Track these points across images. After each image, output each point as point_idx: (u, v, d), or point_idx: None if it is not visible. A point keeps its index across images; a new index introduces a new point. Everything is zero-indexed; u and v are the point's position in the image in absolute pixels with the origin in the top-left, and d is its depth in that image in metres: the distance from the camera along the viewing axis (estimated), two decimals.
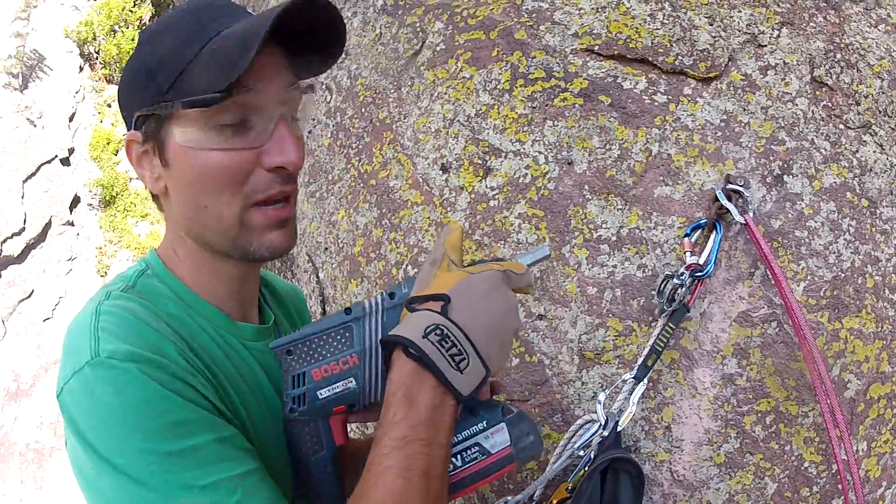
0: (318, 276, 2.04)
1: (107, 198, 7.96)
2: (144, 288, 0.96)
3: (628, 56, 1.79)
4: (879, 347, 1.70)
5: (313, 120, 2.17)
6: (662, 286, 1.58)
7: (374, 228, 1.87)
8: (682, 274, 1.57)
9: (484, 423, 0.89)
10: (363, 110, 2.02)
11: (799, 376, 1.63)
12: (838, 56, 1.81)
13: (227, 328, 1.01)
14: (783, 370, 1.63)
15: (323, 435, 0.95)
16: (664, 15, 1.83)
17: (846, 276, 1.67)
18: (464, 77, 1.86)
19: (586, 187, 1.70)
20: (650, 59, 1.78)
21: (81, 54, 8.87)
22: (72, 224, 7.46)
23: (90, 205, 7.96)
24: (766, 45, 1.80)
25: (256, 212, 0.92)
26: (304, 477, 1.00)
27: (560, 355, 1.65)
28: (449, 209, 1.76)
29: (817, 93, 1.76)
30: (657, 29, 1.81)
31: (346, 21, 2.23)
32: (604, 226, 1.67)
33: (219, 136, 0.88)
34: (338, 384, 0.91)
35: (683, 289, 1.56)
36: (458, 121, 1.83)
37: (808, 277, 1.65)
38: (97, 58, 9.12)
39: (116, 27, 9.05)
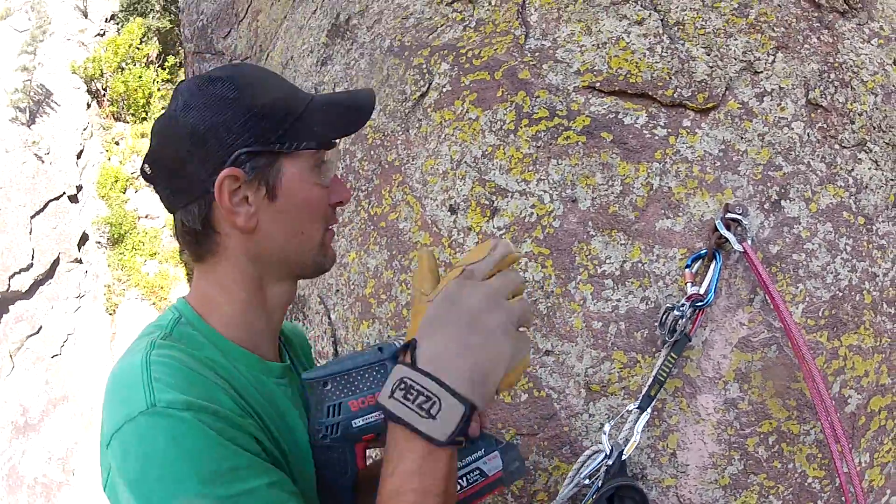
0: (329, 318, 2.14)
1: (115, 236, 8.03)
2: (181, 335, 1.00)
3: (629, 91, 1.84)
4: (879, 361, 1.77)
5: None
6: (664, 318, 1.66)
7: (385, 270, 1.98)
8: (683, 305, 1.65)
9: (482, 451, 1.02)
10: (372, 153, 2.11)
11: (799, 396, 1.71)
12: (832, 76, 1.84)
13: (259, 369, 1.07)
14: (783, 392, 1.71)
15: (349, 460, 1.04)
16: (662, 48, 1.87)
17: (844, 294, 1.74)
18: (470, 118, 1.94)
19: (590, 224, 1.78)
20: (650, 93, 1.83)
21: (89, 90, 8.95)
22: (80, 261, 7.57)
23: (98, 242, 8.06)
24: (761, 72, 1.84)
25: (327, 233, 1.10)
26: (328, 499, 1.08)
27: (567, 389, 1.75)
28: (458, 250, 1.86)
29: (812, 115, 1.81)
30: (656, 62, 1.86)
31: (353, 62, 2.31)
32: (608, 261, 1.76)
33: (316, 174, 1.04)
34: (371, 415, 1.00)
35: (684, 319, 1.64)
36: (466, 162, 1.91)
37: (807, 299, 1.72)
38: (104, 95, 9.21)
39: (123, 64, 9.13)
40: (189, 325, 1.03)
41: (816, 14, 1.92)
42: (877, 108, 1.82)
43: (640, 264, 1.75)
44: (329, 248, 1.11)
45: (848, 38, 1.90)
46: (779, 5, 1.91)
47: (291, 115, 1.01)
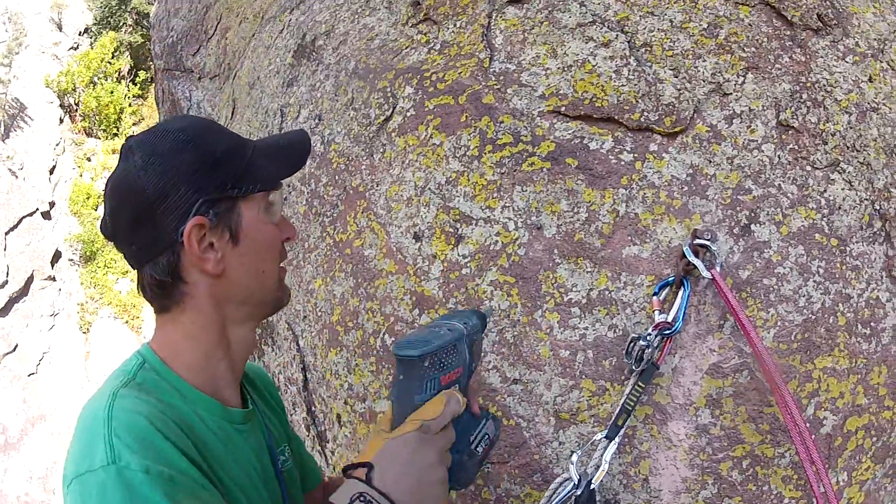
0: (298, 344, 2.10)
1: (87, 253, 7.93)
2: (145, 381, 1.02)
3: (594, 115, 1.79)
4: (854, 382, 1.71)
5: (288, 186, 2.21)
6: (630, 347, 1.61)
7: (351, 297, 1.93)
8: (649, 334, 1.59)
9: (484, 420, 1.17)
10: (337, 177, 2.06)
11: (773, 420, 1.66)
12: (804, 96, 1.78)
13: (221, 415, 1.09)
14: (756, 416, 1.66)
15: None
16: (629, 70, 1.82)
17: (817, 317, 1.68)
18: (434, 144, 1.89)
19: (556, 251, 1.73)
20: (616, 117, 1.78)
21: (62, 105, 8.87)
22: (53, 279, 7.47)
23: (71, 260, 7.95)
24: (731, 94, 1.78)
25: (280, 270, 1.15)
26: None
27: (536, 417, 1.70)
28: (423, 278, 1.81)
29: (783, 136, 1.75)
30: (622, 86, 1.80)
31: (319, 83, 2.27)
32: (574, 289, 1.70)
33: (267, 214, 1.10)
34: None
35: (651, 349, 1.59)
36: (430, 188, 1.86)
37: (779, 323, 1.67)
38: (77, 109, 9.10)
39: (95, 79, 9.04)
40: (153, 370, 1.05)
41: (789, 32, 1.86)
42: (850, 128, 1.76)
43: (606, 292, 1.70)
44: (285, 284, 1.16)
45: (821, 57, 1.84)
46: (749, 24, 1.86)
47: (242, 161, 1.06)
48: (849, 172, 1.75)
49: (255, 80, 2.57)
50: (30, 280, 7.11)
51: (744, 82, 1.79)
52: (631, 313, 1.69)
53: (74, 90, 9.00)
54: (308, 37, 2.36)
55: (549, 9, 1.95)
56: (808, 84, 1.80)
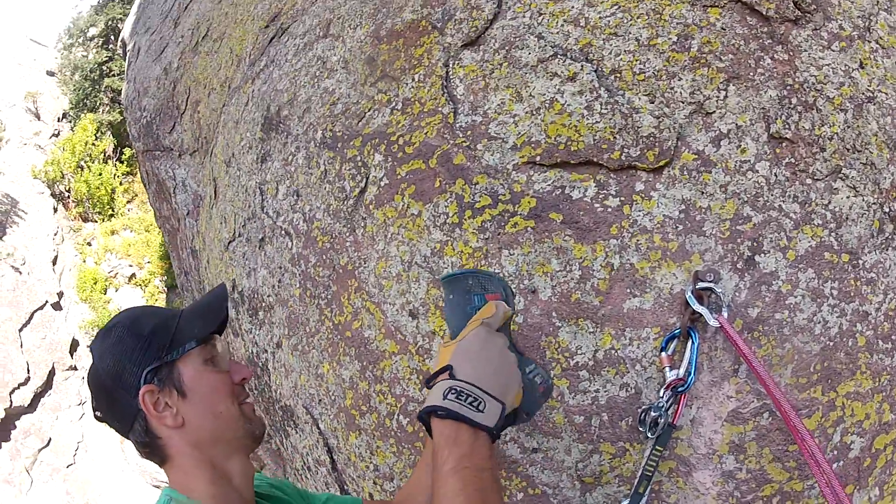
0: (319, 427, 1.92)
1: None
2: None
3: (572, 161, 1.51)
4: (879, 400, 1.48)
5: (280, 268, 1.97)
6: (643, 416, 1.38)
7: (360, 381, 1.72)
8: (661, 401, 1.37)
9: (532, 364, 1.12)
10: (324, 257, 1.82)
11: (798, 456, 1.45)
12: (794, 100, 1.47)
13: None
14: (781, 455, 1.45)
15: None
16: (601, 104, 1.52)
17: (835, 343, 1.44)
18: (412, 214, 1.63)
19: (554, 314, 1.49)
20: (595, 159, 1.50)
21: (53, 194, 8.40)
22: (75, 368, 7.15)
23: (89, 347, 7.65)
24: (714, 112, 1.48)
25: (244, 406, 1.17)
26: None
27: (561, 482, 1.51)
28: (425, 356, 1.59)
29: (777, 150, 1.45)
30: (596, 122, 1.51)
31: (290, 157, 1.99)
32: (579, 352, 1.47)
33: (210, 365, 1.14)
34: None
35: (664, 417, 1.36)
36: (416, 262, 1.62)
37: (796, 357, 1.42)
38: (69, 196, 8.62)
39: (82, 163, 8.53)
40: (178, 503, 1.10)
41: (766, 29, 1.53)
42: (848, 127, 1.46)
43: (612, 351, 1.46)
44: (254, 417, 1.18)
45: (805, 50, 1.51)
46: (722, 28, 1.53)
47: (169, 332, 1.12)
48: (852, 177, 1.46)
49: (231, 157, 2.30)
50: (51, 373, 6.88)
51: (726, 96, 1.49)
52: (641, 369, 1.45)
53: (63, 177, 8.59)
54: (272, 108, 2.06)
55: (507, 47, 1.64)
56: (796, 86, 1.48)
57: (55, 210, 8.32)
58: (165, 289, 7.98)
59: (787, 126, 1.46)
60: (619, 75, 1.55)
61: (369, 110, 1.77)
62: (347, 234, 1.76)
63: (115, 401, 1.09)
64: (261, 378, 2.18)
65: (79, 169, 8.68)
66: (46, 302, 7.26)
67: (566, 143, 1.52)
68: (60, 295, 7.58)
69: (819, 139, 1.46)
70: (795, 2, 1.54)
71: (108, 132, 9.09)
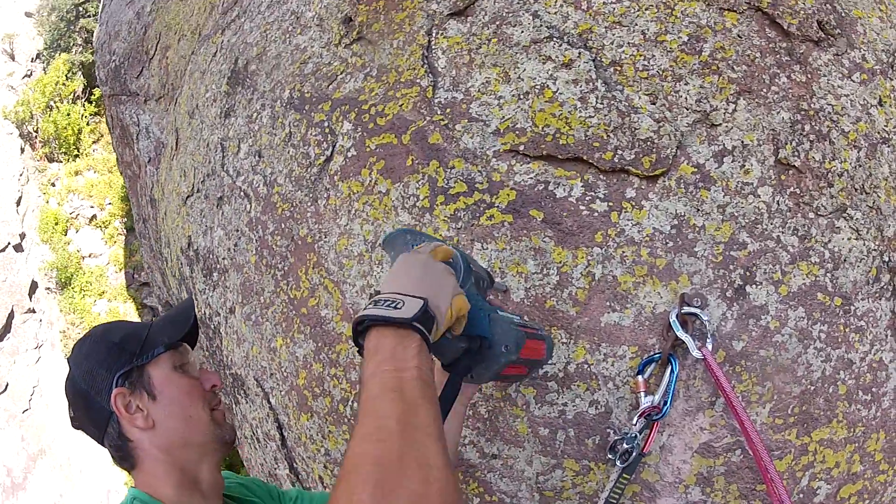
0: (269, 402, 1.64)
1: (62, 279, 7.00)
2: None
3: (559, 156, 1.27)
4: (851, 451, 1.29)
5: (237, 231, 1.67)
6: (614, 445, 1.15)
7: (314, 362, 1.45)
8: (633, 430, 1.14)
9: (538, 330, 1.01)
10: (283, 225, 1.53)
11: (764, 497, 1.25)
12: (807, 128, 1.26)
13: None
14: (748, 494, 1.25)
15: None
16: (597, 97, 1.28)
17: (816, 387, 1.24)
18: (380, 192, 1.35)
19: (525, 318, 1.23)
20: (585, 156, 1.26)
21: (21, 135, 7.71)
22: (33, 311, 6.51)
23: (48, 288, 6.97)
24: (719, 124, 1.26)
25: (215, 412, 1.12)
26: None
27: (520, 492, 1.28)
28: None
29: (783, 177, 1.24)
30: (590, 117, 1.27)
31: (255, 114, 1.68)
32: (549, 362, 1.22)
33: (180, 371, 1.10)
34: None
35: (636, 449, 1.13)
36: (381, 245, 1.34)
37: (775, 397, 1.22)
38: (36, 136, 7.94)
39: (52, 103, 7.86)
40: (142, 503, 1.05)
41: (785, 45, 1.32)
42: (860, 166, 1.26)
43: (585, 365, 1.23)
44: (224, 423, 1.13)
45: (824, 75, 1.31)
46: (738, 36, 1.31)
47: (140, 338, 1.10)
48: (856, 219, 1.26)
49: (195, 108, 1.96)
50: (10, 316, 6.24)
51: (735, 110, 1.27)
52: (613, 388, 1.22)
53: (32, 118, 7.90)
54: (241, 61, 1.75)
55: (497, 22, 1.38)
56: (811, 112, 1.27)
57: (22, 150, 7.57)
58: (125, 231, 7.38)
59: (796, 153, 1.25)
60: (619, 69, 1.31)
61: (341, 73, 1.48)
62: (309, 203, 1.46)
63: (89, 406, 1.07)
64: (213, 341, 1.89)
65: (48, 109, 7.97)
66: (9, 244, 6.53)
67: (554, 134, 1.27)
68: (23, 236, 6.86)
69: (828, 174, 1.26)
70: (820, 22, 1.34)
71: (80, 72, 8.36)
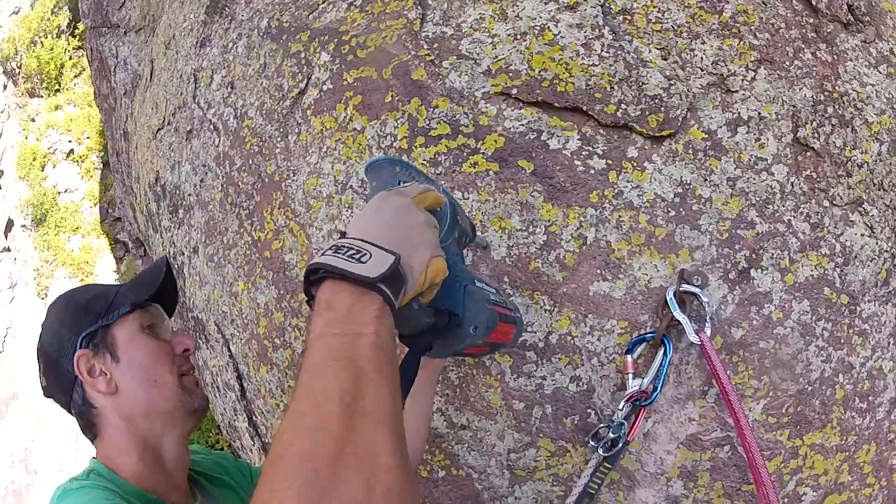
0: (230, 350, 1.46)
1: (38, 216, 6.63)
2: (95, 485, 0.93)
3: (556, 104, 1.09)
4: (841, 460, 1.14)
5: (204, 166, 1.47)
6: (597, 432, 0.97)
7: (276, 311, 1.26)
8: (617, 419, 0.96)
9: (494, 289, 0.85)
10: (251, 161, 1.33)
11: (750, 498, 1.08)
12: (829, 110, 1.11)
13: None
14: (733, 493, 1.09)
15: None
16: (603, 45, 1.11)
17: (814, 388, 1.08)
18: (354, 129, 1.16)
19: (506, 279, 1.06)
20: (584, 107, 1.09)
21: (5, 71, 7.34)
22: (8, 249, 6.11)
23: (24, 226, 6.59)
24: (736, 91, 1.10)
25: (185, 378, 1.01)
26: None
27: (489, 468, 1.10)
28: None
29: (800, 158, 1.09)
30: (593, 65, 1.10)
31: (231, 44, 1.48)
32: (529, 329, 1.05)
33: (148, 332, 1.01)
34: None
35: (622, 438, 0.95)
36: (352, 187, 1.16)
37: (771, 393, 1.06)
38: (19, 72, 7.57)
39: (36, 38, 7.52)
40: (100, 476, 0.95)
41: (812, 21, 1.17)
42: (881, 160, 1.12)
43: (568, 337, 1.05)
44: (195, 390, 1.02)
45: (851, 60, 1.17)
46: (763, 2, 1.16)
47: (107, 299, 1.02)
48: (872, 215, 1.11)
49: (171, 38, 1.76)
50: None
51: (754, 78, 1.11)
52: (598, 364, 1.04)
53: (17, 54, 7.52)
54: None
55: None
56: (836, 95, 1.13)
57: (4, 87, 7.12)
58: (101, 165, 6.97)
59: (816, 135, 1.10)
60: (629, 18, 1.14)
61: (323, 2, 1.29)
62: (279, 138, 1.26)
63: (57, 371, 0.99)
64: (176, 280, 1.70)
65: (32, 45, 7.55)
66: None
67: (552, 80, 1.09)
68: (1, 174, 6.37)
69: (847, 162, 1.11)
70: (850, 5, 1.20)
71: (66, 7, 7.97)
